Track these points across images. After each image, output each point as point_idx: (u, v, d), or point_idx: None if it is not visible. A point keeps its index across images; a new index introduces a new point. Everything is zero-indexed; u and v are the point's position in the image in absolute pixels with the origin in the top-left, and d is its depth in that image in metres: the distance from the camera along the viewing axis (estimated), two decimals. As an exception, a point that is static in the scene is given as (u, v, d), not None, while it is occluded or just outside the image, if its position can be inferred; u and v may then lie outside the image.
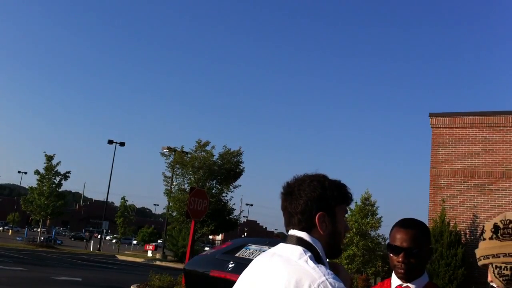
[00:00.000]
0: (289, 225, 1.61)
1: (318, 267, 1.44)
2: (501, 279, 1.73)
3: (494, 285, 1.80)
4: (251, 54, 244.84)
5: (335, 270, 1.58)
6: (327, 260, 1.59)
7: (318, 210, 1.56)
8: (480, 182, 16.03)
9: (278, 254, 1.55)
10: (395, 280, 2.22)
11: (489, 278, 1.81)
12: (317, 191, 1.56)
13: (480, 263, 1.85)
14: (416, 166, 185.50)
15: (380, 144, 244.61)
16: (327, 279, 1.40)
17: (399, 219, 2.25)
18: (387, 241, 2.28)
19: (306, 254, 1.49)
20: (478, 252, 1.85)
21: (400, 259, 2.11)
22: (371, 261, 24.90)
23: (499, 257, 1.75)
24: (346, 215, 1.67)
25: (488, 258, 1.78)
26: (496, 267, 1.76)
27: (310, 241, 1.54)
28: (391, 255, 2.17)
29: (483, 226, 1.87)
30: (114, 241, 56.45)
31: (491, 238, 1.79)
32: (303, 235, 1.55)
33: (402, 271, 2.13)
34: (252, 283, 1.54)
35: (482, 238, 1.85)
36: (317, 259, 1.50)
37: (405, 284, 2.17)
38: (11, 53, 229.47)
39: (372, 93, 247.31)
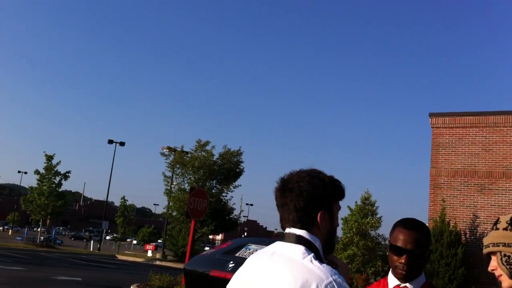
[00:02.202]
0: (286, 222, 1.57)
1: (324, 266, 1.42)
2: (508, 267, 1.80)
3: (496, 273, 1.85)
4: (251, 53, 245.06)
5: (333, 264, 1.58)
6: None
7: (320, 208, 1.54)
8: (480, 182, 16.03)
9: (278, 253, 1.51)
10: (392, 280, 2.22)
11: (492, 267, 1.85)
12: (319, 189, 1.54)
13: (486, 250, 1.89)
14: (416, 166, 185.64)
15: (380, 143, 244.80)
16: (334, 279, 1.38)
17: (399, 218, 2.23)
18: (388, 241, 2.27)
19: (309, 254, 1.46)
20: (487, 240, 1.90)
21: (403, 261, 2.10)
22: (371, 261, 24.91)
23: (510, 246, 1.81)
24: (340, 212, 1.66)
25: (498, 246, 1.84)
26: (505, 255, 1.82)
27: (310, 239, 1.51)
28: (392, 255, 2.16)
29: (498, 218, 1.91)
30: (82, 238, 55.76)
31: (505, 229, 1.84)
32: (303, 233, 1.52)
33: (404, 272, 2.12)
34: (251, 283, 1.50)
35: (495, 228, 1.89)
36: (317, 257, 1.48)
37: (403, 285, 2.17)
38: (11, 52, 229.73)
39: (371, 92, 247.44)
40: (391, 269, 2.23)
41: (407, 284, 2.16)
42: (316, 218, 1.53)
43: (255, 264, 1.54)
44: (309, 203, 1.53)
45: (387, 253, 2.24)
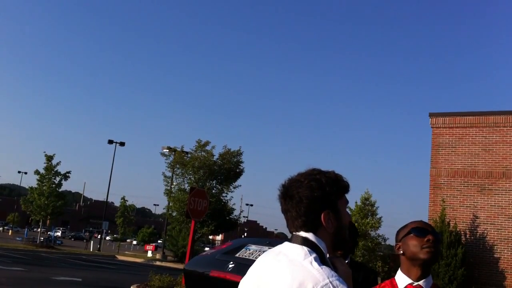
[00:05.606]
0: (293, 227, 1.58)
1: (322, 268, 1.43)
2: None
3: None
4: (252, 53, 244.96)
5: (333, 266, 1.57)
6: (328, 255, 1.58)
7: (322, 209, 1.54)
8: (480, 182, 16.03)
9: (283, 253, 1.53)
10: (401, 280, 2.19)
11: None
12: (317, 191, 1.54)
13: None
14: (416, 166, 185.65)
15: (380, 143, 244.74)
16: (331, 281, 1.39)
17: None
18: (399, 239, 2.24)
19: (311, 255, 1.47)
20: None
21: (431, 237, 2.10)
22: (371, 261, 24.88)
23: None
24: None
25: None
26: None
27: (315, 241, 1.53)
28: (414, 239, 2.13)
29: None
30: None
31: None
32: (309, 235, 1.54)
33: (433, 249, 2.10)
34: (256, 282, 1.53)
35: None
36: (322, 259, 1.48)
37: (416, 283, 2.15)
38: (11, 52, 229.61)
39: (371, 92, 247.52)
40: (400, 267, 2.21)
41: (420, 283, 2.14)
42: (320, 220, 1.54)
43: (262, 263, 1.58)
44: (310, 207, 1.54)
45: (396, 249, 2.22)
